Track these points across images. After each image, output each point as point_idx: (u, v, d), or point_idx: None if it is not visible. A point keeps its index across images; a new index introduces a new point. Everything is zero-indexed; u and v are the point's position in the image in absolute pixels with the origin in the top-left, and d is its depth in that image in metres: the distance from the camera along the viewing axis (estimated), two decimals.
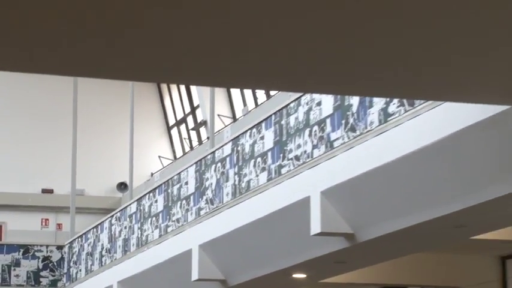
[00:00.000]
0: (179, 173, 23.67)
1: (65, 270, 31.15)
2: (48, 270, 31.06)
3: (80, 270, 30.23)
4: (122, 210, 27.85)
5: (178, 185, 23.39)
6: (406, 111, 14.51)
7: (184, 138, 40.28)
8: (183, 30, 10.35)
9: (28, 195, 36.39)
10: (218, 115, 34.44)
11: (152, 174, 37.76)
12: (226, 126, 34.07)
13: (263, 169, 18.93)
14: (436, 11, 9.98)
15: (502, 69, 11.50)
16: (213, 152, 21.99)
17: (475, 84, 12.12)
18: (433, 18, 10.09)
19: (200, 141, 37.51)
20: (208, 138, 34.71)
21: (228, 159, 20.75)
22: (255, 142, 19.41)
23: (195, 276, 21.68)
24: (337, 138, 16.38)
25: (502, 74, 11.64)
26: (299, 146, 17.64)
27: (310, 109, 17.34)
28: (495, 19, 10.11)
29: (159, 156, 39.36)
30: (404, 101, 14.56)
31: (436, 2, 9.80)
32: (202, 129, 37.62)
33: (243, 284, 21.47)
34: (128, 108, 33.40)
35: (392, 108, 14.86)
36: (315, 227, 16.78)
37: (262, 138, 19.13)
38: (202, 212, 21.67)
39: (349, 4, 9.70)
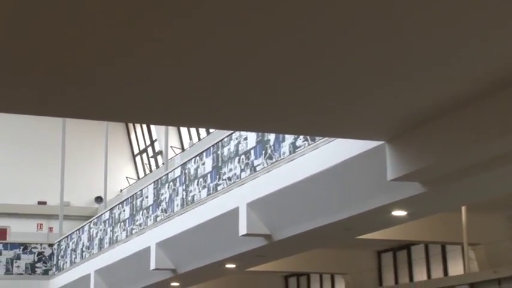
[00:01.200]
0: (141, 190, 23.68)
1: (55, 262, 31.04)
2: (41, 262, 30.92)
3: (66, 262, 30.12)
4: (98, 217, 27.87)
5: (140, 198, 23.40)
6: (309, 144, 14.68)
7: (145, 164, 40.37)
8: (140, 84, 10.27)
9: (27, 206, 36.27)
10: (171, 146, 34.51)
11: (121, 190, 37.75)
12: (176, 154, 34.21)
13: (204, 187, 18.99)
14: (327, 74, 10.00)
15: (374, 117, 11.70)
16: (167, 174, 22.03)
17: (356, 125, 12.32)
18: (323, 81, 10.18)
19: (157, 166, 37.64)
20: (163, 163, 34.81)
21: (178, 179, 20.76)
22: (198, 167, 19.48)
23: (152, 266, 21.65)
24: (258, 164, 16.48)
25: (374, 120, 11.84)
26: (231, 169, 17.71)
27: (239, 142, 17.46)
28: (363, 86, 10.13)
29: (127, 177, 39.39)
30: (308, 137, 14.64)
31: (325, 71, 9.84)
32: (159, 157, 37.61)
33: (189, 272, 21.40)
34: (103, 141, 33.48)
35: (299, 142, 15.02)
36: (242, 230, 16.83)
37: (203, 163, 19.19)
38: (158, 219, 21.66)
39: (267, 64, 9.65)
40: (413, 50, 9.40)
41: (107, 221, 26.18)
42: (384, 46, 9.24)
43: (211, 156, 18.88)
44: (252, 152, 16.86)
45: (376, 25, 8.71)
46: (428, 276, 21.67)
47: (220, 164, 18.39)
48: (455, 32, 8.94)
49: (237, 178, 17.41)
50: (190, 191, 19.74)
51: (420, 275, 21.84)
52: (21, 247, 30.90)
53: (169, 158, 33.68)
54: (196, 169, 19.65)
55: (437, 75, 10.14)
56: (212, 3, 8.01)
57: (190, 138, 35.08)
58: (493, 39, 9.06)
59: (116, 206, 25.86)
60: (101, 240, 26.41)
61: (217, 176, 18.41)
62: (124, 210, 24.61)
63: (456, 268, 20.37)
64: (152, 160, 39.62)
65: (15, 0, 7.43)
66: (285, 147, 15.53)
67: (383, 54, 9.50)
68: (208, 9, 8.08)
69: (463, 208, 17.33)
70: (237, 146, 17.62)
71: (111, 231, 25.61)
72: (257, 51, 9.32)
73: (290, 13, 8.36)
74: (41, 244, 31.52)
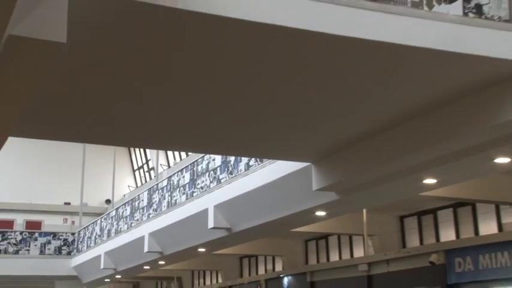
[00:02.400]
0: (138, 195, 23.40)
1: (75, 246, 30.57)
2: (66, 246, 30.58)
3: (84, 246, 29.64)
4: (107, 214, 27.47)
5: (138, 201, 23.15)
6: (258, 164, 14.66)
7: (142, 176, 39.96)
8: (139, 120, 10.46)
9: (56, 205, 35.86)
10: (160, 164, 34.23)
11: (124, 195, 37.21)
12: (164, 170, 33.76)
13: (183, 193, 18.80)
14: (270, 120, 10.16)
15: (303, 147, 11.83)
16: (157, 184, 21.77)
17: (291, 152, 12.38)
18: (268, 124, 10.35)
19: (150, 178, 37.12)
20: (154, 176, 34.53)
21: (165, 188, 20.51)
22: (179, 179, 19.29)
23: (146, 249, 21.56)
24: (223, 178, 16.44)
25: (303, 149, 11.93)
26: (203, 181, 17.57)
27: (209, 162, 17.35)
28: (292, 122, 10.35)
29: (128, 186, 38.85)
30: (258, 159, 14.64)
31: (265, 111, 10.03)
32: (152, 172, 37.28)
33: (172, 254, 21.41)
34: (112, 158, 33.43)
35: (251, 162, 15.01)
36: (210, 224, 16.77)
37: (183, 176, 19.00)
38: (150, 216, 21.48)
39: (227, 114, 9.90)
40: (331, 105, 9.52)
41: (114, 217, 25.91)
42: (310, 104, 9.43)
43: (189, 172, 18.70)
44: (218, 169, 16.76)
45: (301, 89, 8.91)
46: (340, 257, 21.67)
47: (195, 177, 18.21)
48: (355, 95, 9.14)
49: (207, 187, 17.27)
50: (174, 196, 19.57)
51: (334, 257, 21.87)
52: (52, 235, 30.57)
53: (159, 172, 33.63)
54: (178, 181, 19.47)
55: (345, 120, 10.29)
56: (184, 77, 8.31)
57: (174, 159, 34.92)
58: (377, 96, 9.32)
59: (120, 206, 25.59)
60: (109, 231, 26.14)
61: (193, 186, 18.24)
62: (126, 209, 24.33)
63: (359, 252, 20.40)
64: (147, 174, 39.30)
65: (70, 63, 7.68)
66: (242, 166, 15.49)
67: (308, 110, 9.66)
68: (184, 80, 8.42)
69: (364, 210, 17.44)
70: (207, 164, 17.47)
71: (116, 224, 25.31)
72: (220, 107, 9.57)
73: (236, 83, 8.66)
74: (66, 233, 31.27)
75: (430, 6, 7.79)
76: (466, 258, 15.77)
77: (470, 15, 7.95)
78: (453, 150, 10.05)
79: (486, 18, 8.00)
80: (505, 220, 15.98)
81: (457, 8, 7.92)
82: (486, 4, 8.05)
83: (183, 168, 19.33)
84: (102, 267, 26.35)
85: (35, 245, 29.98)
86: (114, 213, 26.14)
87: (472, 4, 7.98)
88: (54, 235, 30.75)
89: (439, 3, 7.84)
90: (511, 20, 8.09)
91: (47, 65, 6.22)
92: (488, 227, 16.42)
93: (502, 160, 10.54)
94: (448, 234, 17.58)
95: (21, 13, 5.41)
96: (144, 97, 9.09)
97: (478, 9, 8.00)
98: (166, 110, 9.76)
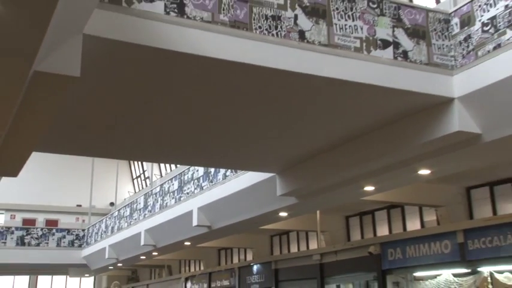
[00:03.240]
0: (136, 199, 23.16)
1: (85, 240, 30.32)
2: (77, 240, 30.41)
3: (92, 240, 29.44)
4: (111, 214, 27.26)
5: (136, 204, 22.95)
6: (234, 174, 14.55)
7: (139, 184, 39.79)
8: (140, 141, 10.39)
9: (70, 207, 35.56)
10: (154, 174, 34.15)
11: (125, 199, 36.92)
12: (157, 179, 33.60)
13: (173, 198, 18.59)
14: (240, 141, 10.16)
15: (269, 162, 11.71)
16: (151, 190, 21.56)
17: (260, 165, 12.26)
18: (237, 144, 10.28)
19: (146, 185, 36.89)
20: (150, 184, 34.34)
21: (157, 193, 20.31)
22: (170, 186, 19.11)
23: (142, 243, 21.35)
24: (205, 185, 16.27)
25: (269, 163, 11.83)
26: (189, 188, 17.45)
27: (193, 172, 17.18)
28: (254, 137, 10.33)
29: (128, 191, 38.70)
30: (233, 170, 14.52)
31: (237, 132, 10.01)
32: (148, 180, 37.06)
33: (164, 246, 21.27)
34: (115, 169, 33.27)
35: (228, 173, 14.85)
36: (195, 222, 16.62)
37: (173, 184, 18.82)
38: (146, 216, 21.32)
39: (205, 137, 9.82)
40: (291, 129, 9.50)
41: (116, 217, 25.67)
42: (272, 128, 9.40)
43: (177, 180, 18.50)
44: (201, 178, 16.58)
45: (264, 116, 8.89)
46: (298, 249, 21.59)
47: (182, 185, 18.03)
48: (311, 121, 9.12)
49: (192, 193, 17.10)
50: (165, 200, 19.36)
51: (294, 249, 21.79)
52: (66, 231, 30.40)
53: (153, 180, 33.45)
54: (168, 187, 19.22)
55: (302, 140, 10.28)
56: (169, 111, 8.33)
57: (166, 170, 34.76)
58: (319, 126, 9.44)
59: (121, 208, 25.44)
60: (112, 228, 25.92)
61: (181, 191, 18.05)
62: (126, 210, 24.08)
63: (313, 245, 20.33)
64: (143, 182, 39.06)
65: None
66: (220, 175, 15.35)
67: (272, 133, 9.64)
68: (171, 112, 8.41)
69: (318, 211, 17.44)
70: (192, 174, 17.29)
71: (118, 222, 25.11)
72: (202, 131, 9.46)
73: (215, 114, 8.61)
74: (77, 229, 31.05)
75: (368, 51, 7.89)
76: (397, 249, 15.93)
77: (399, 59, 8.09)
78: (387, 164, 10.16)
79: (411, 61, 8.16)
80: (426, 219, 16.17)
81: (388, 53, 8.04)
82: (410, 51, 8.22)
83: (172, 177, 19.19)
84: (106, 257, 26.20)
85: (53, 239, 29.92)
86: (116, 213, 25.93)
87: (400, 50, 8.14)
88: (68, 231, 30.63)
89: (375, 49, 7.95)
90: (429, 63, 8.28)
91: (64, 94, 6.25)
92: (413, 224, 16.59)
93: (423, 172, 10.66)
94: (383, 230, 17.70)
95: (43, 53, 5.43)
96: (141, 122, 9.08)
97: (405, 55, 8.16)
98: (158, 132, 9.72)
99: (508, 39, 7.66)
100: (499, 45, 7.77)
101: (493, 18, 7.94)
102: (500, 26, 7.82)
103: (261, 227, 17.74)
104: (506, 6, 7.73)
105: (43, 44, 5.00)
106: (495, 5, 7.93)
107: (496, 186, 14.29)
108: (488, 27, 8.00)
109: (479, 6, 8.17)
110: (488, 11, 8.02)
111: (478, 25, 8.14)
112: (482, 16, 8.10)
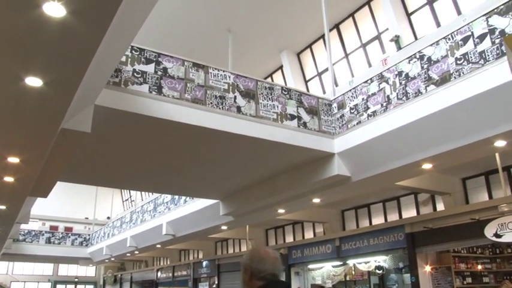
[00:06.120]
0: (125, 215, 22.36)
1: (90, 241, 29.08)
2: (85, 241, 29.21)
3: (94, 242, 28.35)
4: (107, 225, 26.33)
5: (124, 218, 22.24)
6: (191, 200, 14.19)
7: (127, 204, 38.49)
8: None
9: (80, 219, 33.96)
10: (137, 198, 33.14)
11: (117, 215, 34.71)
12: (140, 202, 32.54)
13: (149, 215, 18.12)
14: (192, 178, 9.75)
15: (214, 192, 11.45)
16: (135, 209, 20.78)
17: (207, 194, 11.91)
18: (188, 181, 9.97)
19: (132, 206, 35.44)
20: (134, 205, 33.23)
21: (139, 211, 19.60)
22: (147, 207, 18.57)
23: (128, 245, 20.73)
24: (171, 207, 15.84)
25: (214, 193, 11.55)
26: (160, 208, 16.97)
27: (163, 198, 16.66)
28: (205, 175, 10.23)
29: (119, 210, 37.52)
30: (191, 197, 14.07)
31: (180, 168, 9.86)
32: (133, 202, 35.71)
33: (142, 248, 20.37)
34: (111, 194, 32.36)
35: (188, 199, 14.48)
36: (164, 232, 16.13)
37: (150, 206, 18.26)
38: (131, 227, 20.63)
39: (170, 175, 9.60)
40: (230, 171, 9.32)
41: (111, 227, 24.86)
42: (215, 171, 9.21)
43: (153, 203, 17.89)
44: (169, 202, 16.09)
45: (206, 163, 8.72)
46: (234, 251, 20.94)
47: (156, 206, 17.47)
48: (242, 166, 9.03)
49: (163, 212, 16.57)
50: (144, 216, 18.82)
51: (231, 251, 21.18)
52: (78, 235, 29.40)
53: (137, 202, 32.45)
54: (147, 208, 18.62)
55: (237, 179, 10.10)
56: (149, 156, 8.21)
57: (146, 196, 33.67)
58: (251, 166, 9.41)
59: (115, 220, 24.60)
60: (108, 234, 25.12)
61: (155, 211, 17.52)
62: (118, 223, 23.43)
63: (244, 248, 20.01)
64: (130, 203, 37.73)
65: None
66: (182, 201, 14.95)
67: (215, 174, 9.42)
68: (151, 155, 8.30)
69: (247, 226, 17.08)
70: (163, 199, 16.73)
71: (112, 230, 24.42)
72: (168, 173, 9.26)
73: (175, 161, 8.42)
74: (85, 234, 29.98)
75: (282, 121, 8.09)
76: (298, 250, 15.90)
77: (301, 127, 8.26)
78: (292, 195, 10.17)
79: (308, 129, 8.30)
80: (317, 230, 16.19)
81: (294, 123, 8.22)
82: (308, 122, 8.41)
83: (149, 201, 18.72)
84: (104, 253, 25.33)
85: (69, 240, 29.23)
86: (111, 224, 25.15)
87: (302, 121, 8.30)
88: (79, 235, 29.67)
89: (286, 120, 8.11)
90: (319, 131, 8.52)
91: (79, 144, 6.22)
92: (309, 234, 16.63)
93: (316, 200, 10.58)
94: (289, 238, 17.67)
95: (67, 117, 5.44)
96: (129, 164, 8.96)
97: (304, 124, 8.32)
98: (137, 171, 9.47)
99: (364, 118, 7.95)
100: (359, 122, 8.07)
101: (356, 105, 8.24)
102: (360, 110, 8.11)
103: (209, 235, 17.35)
104: (363, 99, 8.19)
105: (68, 110, 5.04)
106: (357, 97, 8.30)
107: (359, 209, 14.48)
108: (353, 110, 8.29)
109: (348, 97, 8.48)
110: (353, 100, 8.35)
111: (347, 108, 8.39)
112: (350, 103, 8.38)
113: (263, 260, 2.38)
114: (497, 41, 6.10)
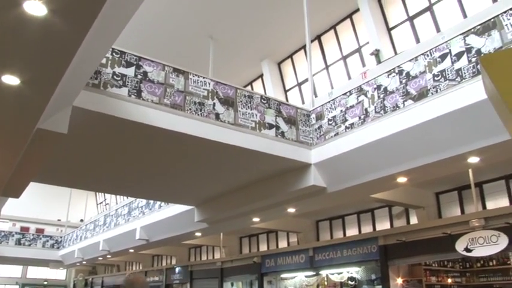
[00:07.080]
0: (99, 218, 22.02)
1: (62, 244, 28.41)
2: (56, 244, 28.57)
3: (66, 244, 27.79)
4: (80, 227, 25.71)
5: (98, 221, 21.86)
6: (167, 205, 14.03)
7: (101, 207, 37.90)
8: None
9: (52, 221, 33.12)
10: (110, 202, 32.80)
11: (90, 217, 34.38)
12: (114, 205, 32.23)
13: (123, 219, 17.89)
14: (167, 184, 9.80)
15: (189, 199, 11.29)
16: (109, 212, 20.50)
17: (183, 200, 11.82)
18: (166, 187, 9.97)
19: (106, 209, 34.93)
20: (108, 208, 32.81)
21: (113, 215, 19.35)
22: (122, 211, 18.28)
23: (101, 249, 20.43)
24: (146, 212, 15.70)
25: (190, 200, 11.44)
26: (135, 213, 16.78)
27: (138, 203, 16.48)
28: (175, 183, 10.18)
29: (92, 213, 36.90)
30: (166, 203, 13.95)
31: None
32: (107, 206, 35.17)
33: (117, 251, 20.13)
34: (85, 196, 31.85)
35: (162, 204, 14.35)
36: (137, 236, 15.98)
37: (124, 209, 18.05)
38: (104, 230, 20.38)
39: (150, 181, 9.55)
40: (206, 178, 9.29)
41: (84, 229, 24.37)
42: (190, 178, 9.14)
43: (127, 207, 17.66)
44: (144, 206, 15.92)
45: (188, 168, 8.64)
46: (207, 258, 20.89)
47: (130, 210, 17.27)
48: (220, 172, 9.08)
49: (137, 216, 16.42)
50: (118, 220, 18.58)
51: (204, 258, 21.19)
52: (49, 237, 28.90)
53: (111, 206, 32.05)
54: (121, 212, 18.34)
55: (212, 185, 10.04)
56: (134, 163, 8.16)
57: (120, 199, 33.22)
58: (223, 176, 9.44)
59: (88, 223, 24.17)
60: (81, 237, 24.61)
61: (129, 215, 17.32)
62: (91, 226, 22.94)
63: (217, 255, 19.86)
64: (105, 206, 37.15)
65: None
66: (156, 206, 14.81)
67: (189, 181, 9.35)
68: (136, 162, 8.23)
69: (221, 233, 17.10)
70: (137, 204, 16.56)
71: (85, 233, 23.90)
72: (146, 178, 9.16)
73: (152, 169, 8.36)
74: (57, 236, 29.39)
75: (260, 130, 8.10)
76: (271, 259, 15.83)
77: (279, 136, 8.28)
78: (267, 204, 10.15)
79: (286, 138, 8.32)
80: (291, 240, 16.22)
81: (272, 132, 8.24)
82: (286, 132, 8.45)
83: (124, 205, 18.47)
84: (75, 256, 24.89)
85: (40, 242, 28.56)
86: (84, 227, 24.68)
87: (280, 131, 8.33)
88: (51, 237, 29.04)
89: (264, 129, 8.12)
90: (297, 141, 8.52)
91: (55, 145, 6.11)
92: (283, 243, 16.66)
93: (290, 210, 10.56)
94: (263, 247, 17.67)
95: (44, 117, 5.35)
96: (105, 167, 8.85)
97: (282, 134, 8.34)
98: (113, 174, 9.39)
99: (342, 130, 8.01)
100: (337, 134, 8.12)
101: (334, 116, 8.29)
102: (337, 121, 8.18)
103: (182, 242, 17.19)
104: (341, 111, 8.26)
105: (44, 111, 4.95)
106: (335, 109, 8.36)
107: (333, 220, 14.56)
108: (331, 122, 8.34)
109: (327, 108, 8.53)
110: (332, 112, 8.40)
111: (325, 120, 8.43)
112: (328, 114, 8.44)
113: (133, 285, 3.75)
114: (473, 59, 6.24)
